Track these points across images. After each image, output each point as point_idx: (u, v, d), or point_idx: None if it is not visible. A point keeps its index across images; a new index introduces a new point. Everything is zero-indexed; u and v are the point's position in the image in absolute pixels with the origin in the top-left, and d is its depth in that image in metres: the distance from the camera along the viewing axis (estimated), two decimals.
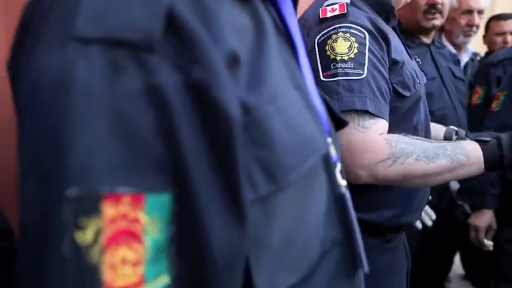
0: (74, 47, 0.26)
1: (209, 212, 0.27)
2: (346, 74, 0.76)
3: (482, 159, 0.78)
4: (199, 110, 0.27)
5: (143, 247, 0.25)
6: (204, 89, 0.27)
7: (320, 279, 0.38)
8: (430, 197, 1.07)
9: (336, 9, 0.81)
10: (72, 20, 0.26)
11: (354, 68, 0.76)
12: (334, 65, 0.77)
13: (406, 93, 0.83)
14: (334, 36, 0.79)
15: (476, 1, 1.85)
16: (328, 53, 0.78)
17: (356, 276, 0.42)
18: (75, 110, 0.25)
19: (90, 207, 0.24)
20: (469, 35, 1.89)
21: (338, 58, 0.77)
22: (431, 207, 1.57)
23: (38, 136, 0.26)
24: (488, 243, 1.47)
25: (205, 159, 0.27)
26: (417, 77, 0.86)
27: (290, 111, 0.34)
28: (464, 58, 1.96)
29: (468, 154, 0.78)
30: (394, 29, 0.95)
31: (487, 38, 2.25)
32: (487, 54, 2.21)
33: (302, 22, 0.87)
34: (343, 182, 0.41)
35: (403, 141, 0.76)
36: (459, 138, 1.00)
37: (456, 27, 1.89)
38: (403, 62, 0.83)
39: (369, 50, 0.78)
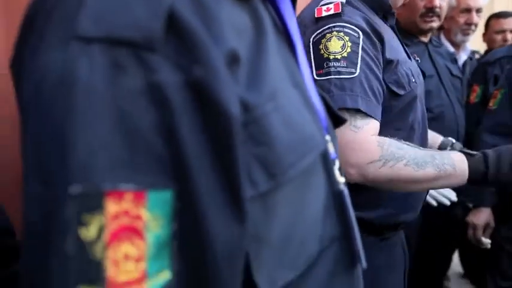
0: (77, 46, 0.26)
1: (210, 209, 0.28)
2: (339, 73, 0.77)
3: (467, 171, 0.79)
4: (199, 109, 0.27)
5: (145, 243, 0.26)
6: (205, 88, 0.27)
7: (319, 275, 0.38)
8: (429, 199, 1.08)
9: (330, 8, 0.82)
10: (74, 19, 0.27)
11: (346, 67, 0.77)
12: (327, 64, 0.78)
13: (401, 92, 0.83)
14: (328, 35, 0.79)
15: (474, 0, 1.86)
16: (322, 51, 0.79)
17: (354, 272, 0.42)
18: (77, 108, 0.25)
19: (94, 204, 0.25)
20: (468, 34, 1.89)
21: (331, 57, 0.78)
22: (429, 208, 1.58)
23: (41, 135, 0.26)
24: (486, 241, 1.47)
25: (206, 156, 0.28)
26: (412, 75, 0.86)
27: (289, 109, 0.34)
28: (463, 56, 1.96)
29: (455, 165, 0.79)
30: (392, 28, 0.96)
31: (487, 36, 2.26)
32: (487, 52, 2.21)
33: (299, 21, 0.87)
34: (341, 179, 0.42)
35: (395, 146, 0.77)
36: (453, 149, 1.01)
37: (455, 25, 1.89)
38: (398, 61, 0.84)
39: (363, 49, 0.78)
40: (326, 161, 0.40)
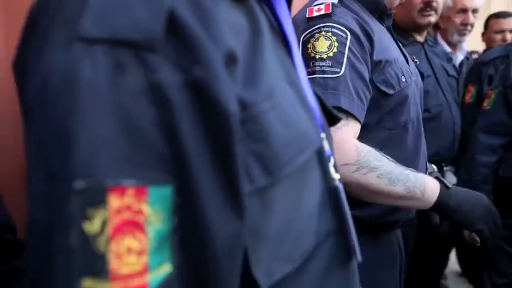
0: (79, 47, 0.27)
1: (209, 204, 0.29)
2: (323, 72, 0.78)
3: (433, 201, 0.81)
4: (199, 107, 0.28)
5: (147, 237, 0.27)
6: (204, 87, 0.28)
7: (315, 268, 0.39)
8: None
9: (321, 9, 0.83)
10: (77, 21, 0.27)
11: (331, 67, 0.78)
12: (313, 63, 0.79)
13: (390, 91, 0.84)
14: (316, 35, 0.80)
15: (470, 0, 1.87)
16: (309, 51, 0.80)
17: (350, 266, 0.43)
18: (80, 107, 0.26)
19: (97, 198, 0.25)
20: (464, 34, 1.91)
21: (317, 56, 0.79)
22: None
23: (45, 133, 0.27)
24: None
25: (205, 153, 0.29)
26: (403, 75, 0.87)
27: (285, 107, 0.35)
28: (459, 57, 1.97)
29: (424, 192, 0.80)
30: (388, 29, 0.97)
31: (486, 36, 2.28)
32: (486, 52, 2.23)
33: (293, 22, 0.88)
34: (336, 176, 0.43)
35: (373, 155, 0.78)
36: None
37: (451, 26, 1.91)
38: (387, 61, 0.85)
39: (349, 49, 0.79)
40: (321, 158, 0.41)
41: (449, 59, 1.82)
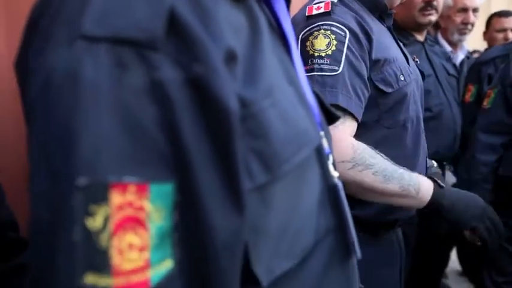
0: (81, 46, 0.27)
1: (210, 201, 0.29)
2: (321, 70, 0.78)
3: (427, 200, 0.81)
4: (199, 104, 0.29)
5: (148, 233, 0.27)
6: (204, 85, 0.29)
7: (315, 265, 0.39)
8: None
9: (321, 7, 0.83)
10: (79, 20, 0.28)
11: (329, 64, 0.78)
12: (311, 61, 0.79)
13: (389, 90, 0.85)
14: (315, 33, 0.81)
15: None
16: (308, 48, 0.80)
17: (350, 262, 0.44)
18: (83, 105, 0.26)
19: (99, 195, 0.26)
20: (464, 33, 1.91)
21: (316, 54, 0.79)
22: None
23: (47, 131, 0.27)
24: None
25: (206, 150, 0.29)
26: (402, 74, 0.87)
27: (284, 105, 0.36)
28: (460, 56, 1.97)
29: (419, 190, 0.81)
30: (388, 28, 0.97)
31: (488, 35, 2.27)
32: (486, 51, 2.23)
33: (292, 21, 0.89)
34: (335, 173, 0.43)
35: (368, 153, 0.78)
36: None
37: (451, 25, 1.91)
38: (386, 60, 0.85)
39: (348, 48, 0.79)
40: (320, 156, 0.41)
41: (449, 58, 1.82)
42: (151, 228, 0.27)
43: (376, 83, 0.84)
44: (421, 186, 0.81)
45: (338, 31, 0.80)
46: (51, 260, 0.26)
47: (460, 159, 1.70)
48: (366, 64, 0.82)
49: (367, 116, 0.83)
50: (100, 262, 0.25)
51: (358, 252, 0.42)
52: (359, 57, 0.81)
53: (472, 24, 1.89)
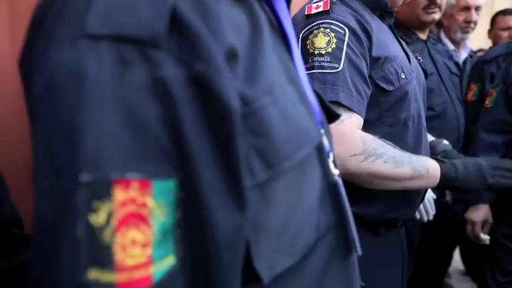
0: (85, 44, 0.27)
1: (212, 198, 0.29)
2: (322, 67, 0.79)
3: (439, 176, 0.85)
4: (201, 102, 0.29)
5: (151, 230, 0.27)
6: (206, 83, 0.29)
7: (315, 262, 0.39)
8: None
9: (320, 6, 0.84)
10: (83, 18, 0.28)
11: (330, 62, 0.79)
12: (312, 59, 0.80)
13: (389, 88, 0.85)
14: (315, 32, 0.81)
15: None
16: (308, 47, 0.81)
17: (350, 259, 0.44)
18: (86, 102, 0.27)
19: (103, 191, 0.26)
20: (467, 32, 1.90)
21: (316, 52, 0.80)
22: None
23: (51, 128, 0.28)
24: (485, 237, 1.48)
25: (208, 147, 0.29)
26: (403, 72, 0.88)
27: (285, 103, 0.36)
28: (463, 54, 1.96)
29: (428, 168, 0.84)
30: (390, 27, 0.97)
31: (492, 33, 2.26)
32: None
33: (292, 20, 0.89)
34: (335, 171, 0.44)
35: (377, 143, 0.80)
36: (441, 151, 1.05)
37: (454, 23, 1.90)
38: (386, 58, 0.85)
39: (348, 45, 0.80)
40: (321, 154, 0.42)
41: (451, 57, 1.81)
42: (153, 224, 0.27)
43: (377, 81, 0.84)
44: (428, 165, 0.84)
45: (337, 29, 0.81)
46: (55, 255, 0.26)
47: None
48: (366, 62, 0.83)
49: (368, 114, 0.84)
50: (103, 258, 0.26)
51: (359, 249, 0.42)
52: (359, 55, 0.81)
53: (475, 23, 1.88)
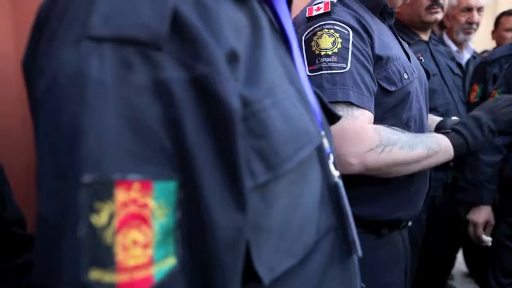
0: (88, 45, 0.28)
1: (212, 198, 0.29)
2: (330, 68, 0.79)
3: (451, 147, 0.87)
4: (202, 103, 0.29)
5: (152, 230, 0.27)
6: (207, 84, 0.29)
7: (316, 263, 0.40)
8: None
9: (321, 8, 0.84)
10: (86, 20, 0.28)
11: (337, 62, 0.79)
12: (318, 60, 0.80)
13: (392, 88, 0.85)
14: (319, 33, 0.82)
15: None
16: (313, 48, 0.81)
17: (351, 261, 0.44)
18: (88, 103, 0.27)
19: (104, 192, 0.26)
20: (469, 33, 1.89)
21: (322, 53, 0.80)
22: (435, 203, 1.58)
23: (54, 129, 0.28)
24: (487, 238, 1.48)
25: (209, 148, 0.29)
26: (406, 72, 0.88)
27: (286, 104, 0.36)
28: (466, 55, 1.96)
29: (440, 143, 0.85)
30: (390, 27, 0.97)
31: (496, 34, 2.26)
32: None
33: (293, 22, 0.89)
34: (336, 173, 0.44)
35: (388, 131, 0.81)
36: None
37: (456, 24, 1.89)
38: (388, 58, 0.85)
39: (353, 44, 0.80)
40: (321, 155, 0.42)
41: (453, 58, 1.81)
42: (155, 225, 0.27)
43: (380, 82, 0.84)
44: (439, 140, 0.86)
45: (341, 29, 0.81)
46: (57, 255, 0.26)
47: (465, 159, 1.69)
48: (370, 59, 0.83)
49: None
50: (104, 258, 0.26)
51: (359, 251, 0.42)
52: (364, 53, 0.82)
53: (477, 24, 1.88)
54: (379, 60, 0.84)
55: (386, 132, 0.80)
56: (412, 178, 0.89)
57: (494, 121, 0.92)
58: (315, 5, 0.86)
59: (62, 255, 0.26)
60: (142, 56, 0.28)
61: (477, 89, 1.77)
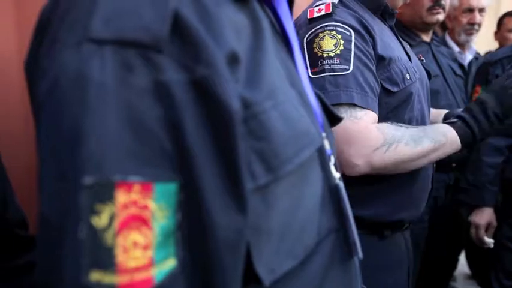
0: (89, 47, 0.28)
1: (213, 200, 0.29)
2: (333, 70, 0.79)
3: (458, 138, 0.85)
4: (202, 105, 0.29)
5: (152, 232, 0.27)
6: (208, 87, 0.29)
7: (317, 265, 0.40)
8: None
9: (322, 9, 0.84)
10: (87, 22, 0.29)
11: (340, 64, 0.79)
12: (321, 62, 0.80)
13: (394, 89, 0.85)
14: (321, 35, 0.82)
15: None
16: (316, 50, 0.81)
17: (351, 262, 0.44)
18: (89, 105, 0.27)
19: (105, 194, 0.26)
20: (471, 34, 1.89)
21: (325, 55, 0.80)
22: (437, 204, 1.57)
23: (55, 131, 0.28)
24: (489, 240, 1.47)
25: (209, 150, 0.29)
26: (408, 73, 0.88)
27: (286, 106, 0.36)
28: (468, 56, 1.95)
29: (446, 134, 0.84)
30: (391, 28, 0.97)
31: (499, 35, 2.25)
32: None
33: (294, 24, 0.89)
34: (337, 174, 0.44)
35: (392, 128, 0.80)
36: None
37: (458, 26, 1.89)
38: (391, 59, 0.85)
39: (355, 45, 0.80)
40: (322, 157, 0.42)
41: (455, 59, 1.81)
42: (155, 227, 0.28)
43: (382, 82, 0.84)
44: (445, 131, 0.85)
45: (343, 30, 0.81)
46: (58, 257, 0.26)
47: (468, 161, 1.68)
48: (373, 60, 0.83)
49: None
50: (105, 260, 0.26)
51: (360, 253, 0.42)
52: (366, 53, 0.82)
53: (479, 25, 1.87)
54: (381, 61, 0.84)
55: (390, 130, 0.79)
56: (414, 177, 0.88)
57: (502, 103, 0.88)
58: (316, 6, 0.86)
59: (63, 256, 0.26)
60: (143, 58, 0.28)
61: (479, 90, 1.76)
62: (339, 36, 0.80)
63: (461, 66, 1.85)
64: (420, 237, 1.48)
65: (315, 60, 0.81)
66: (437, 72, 1.62)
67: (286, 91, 0.37)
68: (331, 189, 0.43)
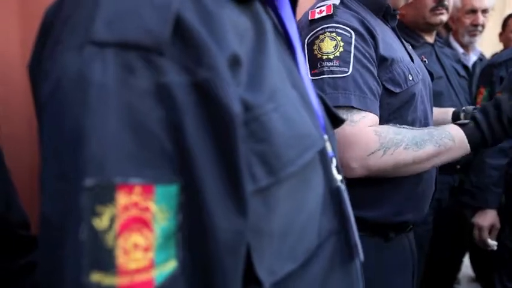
0: (91, 50, 0.28)
1: (214, 202, 0.29)
2: (332, 72, 0.79)
3: (466, 141, 0.83)
4: (204, 108, 0.29)
5: (153, 234, 0.28)
6: (209, 89, 0.29)
7: (317, 267, 0.39)
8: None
9: (323, 10, 0.84)
10: (89, 25, 0.29)
11: (339, 66, 0.79)
12: (320, 64, 0.80)
13: (397, 90, 0.85)
14: (321, 36, 0.81)
15: (479, 0, 1.84)
16: (315, 52, 0.81)
17: (353, 265, 0.44)
18: (91, 107, 0.27)
19: (106, 195, 0.26)
20: (474, 35, 1.88)
21: (324, 57, 0.80)
22: (441, 206, 1.56)
23: (57, 133, 0.28)
24: (492, 242, 1.46)
25: (210, 152, 0.29)
26: (410, 74, 0.87)
27: (288, 108, 0.36)
28: (473, 58, 1.94)
29: (453, 138, 0.82)
30: (393, 29, 0.97)
31: (504, 36, 2.23)
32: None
33: (298, 25, 0.89)
34: (338, 177, 0.44)
35: (392, 132, 0.79)
36: (466, 114, 1.02)
37: (461, 27, 1.88)
38: (393, 60, 0.85)
39: (355, 47, 0.80)
40: (324, 159, 0.42)
41: (459, 60, 1.80)
42: (156, 228, 0.28)
43: (384, 83, 0.84)
44: (452, 133, 0.82)
45: (343, 32, 0.81)
46: (59, 257, 0.27)
47: (472, 162, 1.67)
48: (374, 61, 0.82)
49: None
50: (105, 261, 0.26)
51: (361, 255, 0.42)
52: (367, 55, 0.81)
53: (482, 26, 1.86)
54: (383, 62, 0.84)
55: (388, 133, 0.79)
56: (418, 178, 0.88)
57: None
58: (317, 7, 0.86)
59: (64, 257, 0.26)
60: (144, 60, 0.28)
61: (484, 92, 1.75)
62: (339, 38, 0.80)
63: (465, 67, 1.83)
64: (424, 239, 1.47)
65: (315, 62, 0.81)
66: (440, 74, 1.62)
67: (287, 93, 0.37)
68: (333, 191, 0.42)
